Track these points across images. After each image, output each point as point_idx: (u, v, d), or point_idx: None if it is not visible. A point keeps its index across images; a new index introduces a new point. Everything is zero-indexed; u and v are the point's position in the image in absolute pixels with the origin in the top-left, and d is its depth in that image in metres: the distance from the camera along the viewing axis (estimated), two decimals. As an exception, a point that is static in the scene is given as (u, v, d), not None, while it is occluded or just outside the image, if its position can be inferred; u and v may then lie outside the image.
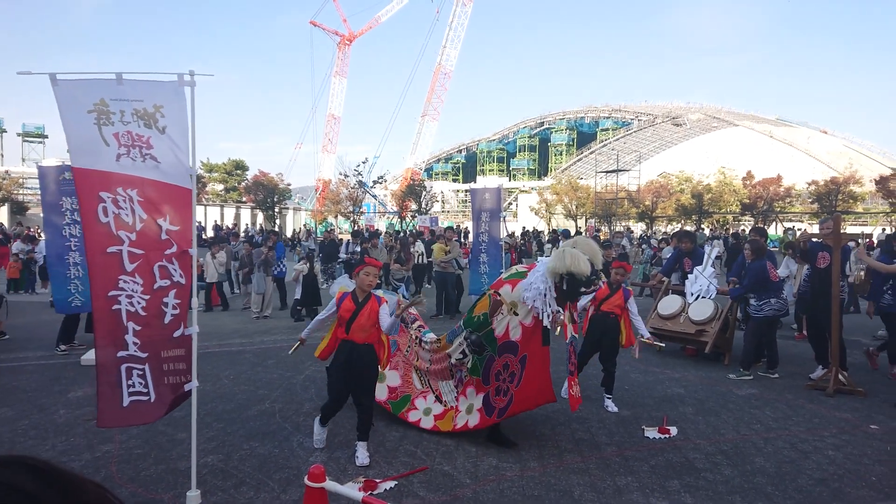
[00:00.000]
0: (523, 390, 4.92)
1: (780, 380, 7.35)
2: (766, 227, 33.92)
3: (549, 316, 4.89)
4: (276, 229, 43.26)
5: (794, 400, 6.56)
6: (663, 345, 7.06)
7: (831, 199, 39.01)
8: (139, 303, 3.85)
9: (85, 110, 3.61)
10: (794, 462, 4.87)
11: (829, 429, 5.65)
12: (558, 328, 5.13)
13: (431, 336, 6.01)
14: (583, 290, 4.99)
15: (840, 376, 6.78)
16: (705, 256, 9.17)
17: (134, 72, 3.74)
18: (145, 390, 3.96)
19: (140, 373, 3.94)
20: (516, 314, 5.06)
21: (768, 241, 10.67)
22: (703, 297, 8.66)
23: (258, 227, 45.70)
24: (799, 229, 29.23)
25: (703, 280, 8.79)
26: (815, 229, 10.06)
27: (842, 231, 7.16)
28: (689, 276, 9.11)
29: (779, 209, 42.79)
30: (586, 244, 5.20)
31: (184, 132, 3.82)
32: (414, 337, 6.11)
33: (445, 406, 5.61)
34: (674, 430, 5.53)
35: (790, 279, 9.93)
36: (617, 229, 30.60)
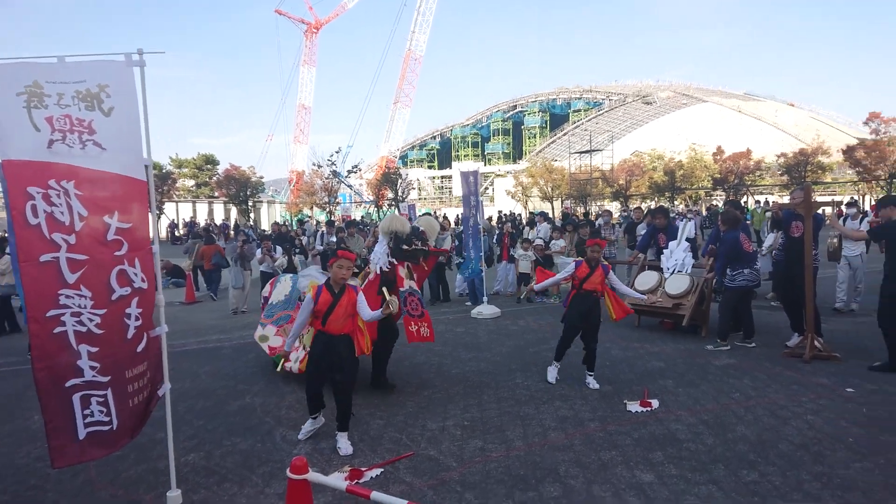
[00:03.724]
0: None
1: (756, 349, 7.46)
2: (738, 199, 34.38)
3: (385, 266, 6.15)
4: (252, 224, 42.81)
5: (771, 368, 6.66)
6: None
7: (800, 171, 39.68)
8: (91, 320, 3.30)
9: (14, 93, 3.12)
10: (774, 429, 4.95)
11: (807, 394, 5.75)
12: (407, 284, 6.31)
13: None
14: (404, 247, 6.17)
15: (816, 343, 6.90)
16: (679, 231, 9.24)
17: (78, 54, 3.26)
18: (107, 419, 3.43)
19: (100, 400, 3.40)
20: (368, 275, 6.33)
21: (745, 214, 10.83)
22: (678, 272, 8.75)
23: (233, 221, 45.10)
24: (758, 202, 29.55)
25: (679, 254, 8.87)
26: (787, 200, 10.17)
27: (813, 200, 7.25)
28: (665, 251, 9.19)
29: (749, 182, 43.44)
30: (427, 221, 6.77)
31: (135, 118, 3.40)
32: None
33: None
34: (655, 403, 5.58)
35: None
36: (605, 208, 30.82)
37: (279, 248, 12.90)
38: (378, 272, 6.22)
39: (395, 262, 6.22)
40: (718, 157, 44.69)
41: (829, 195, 41.17)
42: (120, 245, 3.37)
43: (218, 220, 45.33)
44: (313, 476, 3.03)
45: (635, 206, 35.55)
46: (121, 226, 3.37)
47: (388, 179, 45.57)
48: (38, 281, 3.16)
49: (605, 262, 6.45)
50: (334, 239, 15.38)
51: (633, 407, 5.52)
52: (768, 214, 13.62)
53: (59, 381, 3.26)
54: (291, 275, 8.02)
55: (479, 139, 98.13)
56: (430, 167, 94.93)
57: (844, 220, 10.34)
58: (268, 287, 7.73)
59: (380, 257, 6.24)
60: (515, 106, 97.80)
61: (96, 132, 3.28)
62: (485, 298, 10.95)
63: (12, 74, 3.14)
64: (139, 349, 3.54)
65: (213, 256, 14.56)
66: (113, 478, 4.44)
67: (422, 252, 6.39)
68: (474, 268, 11.06)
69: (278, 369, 6.45)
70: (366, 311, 4.89)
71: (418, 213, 26.81)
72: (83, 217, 3.24)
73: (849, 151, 38.14)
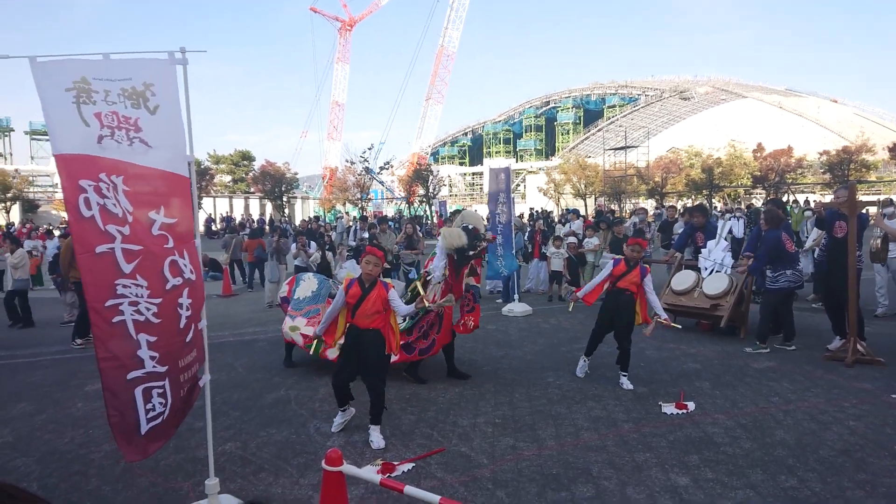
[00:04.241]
0: (442, 335, 6.47)
1: (797, 352, 7.28)
2: (779, 198, 33.52)
3: (441, 277, 6.31)
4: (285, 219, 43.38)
5: (812, 371, 6.49)
6: (679, 326, 6.92)
7: (843, 169, 38.48)
8: (148, 309, 3.31)
9: (63, 88, 3.15)
10: (814, 433, 4.82)
11: (849, 399, 5.59)
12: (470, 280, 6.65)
13: None
14: (470, 253, 6.31)
15: (858, 346, 6.70)
16: (718, 230, 9.06)
17: (122, 52, 3.32)
18: (163, 410, 3.47)
19: (160, 391, 3.43)
20: (438, 283, 6.38)
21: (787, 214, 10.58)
22: (717, 271, 8.58)
23: (269, 217, 45.79)
24: (796, 201, 28.73)
25: (717, 254, 8.70)
26: (829, 199, 9.86)
27: (857, 199, 7.02)
28: (703, 250, 9.01)
29: (790, 181, 42.30)
30: (471, 215, 6.86)
31: (178, 115, 3.45)
32: None
33: None
34: (691, 405, 5.49)
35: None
36: (640, 206, 30.43)
37: (314, 244, 13.06)
38: (444, 280, 6.35)
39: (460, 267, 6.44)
40: (758, 155, 43.61)
41: (873, 194, 39.86)
42: (166, 240, 3.42)
43: (255, 216, 46.05)
44: (348, 468, 3.06)
45: (669, 204, 35.04)
46: (166, 221, 3.41)
47: (420, 176, 45.69)
48: (95, 271, 3.20)
49: (646, 265, 6.35)
50: (366, 235, 15.49)
51: (669, 409, 5.43)
52: (807, 214, 13.24)
53: (122, 373, 3.29)
54: (313, 274, 8.09)
55: (511, 135, 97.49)
56: (461, 164, 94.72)
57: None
58: (286, 287, 7.62)
59: (439, 273, 6.32)
60: (548, 102, 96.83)
61: (142, 130, 3.31)
62: (516, 296, 10.90)
63: (60, 70, 3.19)
64: (188, 339, 3.60)
65: (255, 249, 14.98)
66: (153, 466, 4.55)
67: (485, 248, 6.70)
68: (509, 265, 10.96)
69: (313, 352, 6.60)
70: (400, 307, 4.99)
71: (449, 210, 26.86)
72: (130, 212, 3.29)
73: (895, 149, 36.86)
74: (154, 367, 3.37)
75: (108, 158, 3.22)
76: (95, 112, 3.21)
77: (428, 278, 6.51)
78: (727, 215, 17.99)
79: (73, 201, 3.15)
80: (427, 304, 5.20)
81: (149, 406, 3.39)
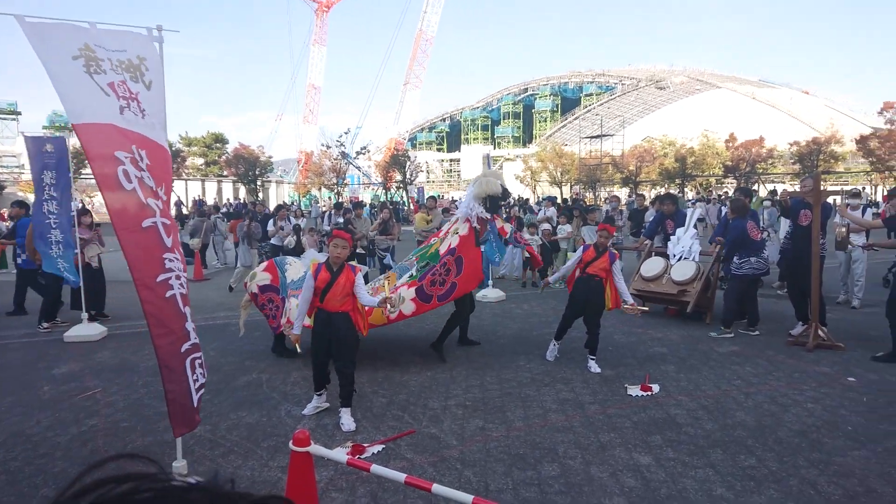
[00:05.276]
0: (465, 278, 6.47)
1: (760, 337, 7.48)
2: (748, 187, 34.10)
3: (478, 217, 6.53)
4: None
5: (774, 356, 6.68)
6: (647, 308, 7.14)
7: (812, 159, 39.30)
8: (184, 283, 3.35)
9: (70, 56, 2.95)
10: (773, 415, 4.98)
11: (809, 383, 5.77)
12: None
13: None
14: (501, 203, 6.97)
15: (820, 332, 6.91)
16: (687, 218, 9.22)
17: (105, 22, 3.14)
18: (204, 380, 3.51)
19: (200, 361, 3.47)
20: (457, 233, 6.60)
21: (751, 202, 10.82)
22: (685, 258, 8.74)
23: (241, 199, 45.16)
24: (755, 191, 29.34)
25: (686, 241, 8.86)
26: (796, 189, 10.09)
27: (822, 189, 7.20)
28: (672, 237, 9.17)
29: (761, 171, 43.07)
30: (492, 173, 7.07)
31: (163, 93, 3.35)
32: None
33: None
34: (656, 388, 5.62)
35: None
36: (614, 194, 30.81)
37: (292, 219, 12.96)
38: (472, 228, 6.57)
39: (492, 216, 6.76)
40: (731, 145, 44.31)
41: (840, 185, 40.77)
42: (170, 215, 3.40)
43: (233, 200, 45.32)
44: (315, 449, 3.08)
45: (638, 193, 35.53)
46: (163, 197, 3.36)
47: (397, 161, 45.45)
48: (143, 247, 3.10)
49: (614, 251, 6.44)
50: (341, 220, 15.43)
51: (634, 391, 5.56)
52: (766, 203, 13.56)
53: (177, 347, 3.25)
54: (294, 258, 7.90)
55: (490, 122, 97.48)
56: (438, 150, 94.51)
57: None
58: (267, 275, 6.96)
59: (473, 214, 6.54)
60: (527, 89, 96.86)
61: (143, 104, 3.20)
62: (490, 282, 10.97)
63: (60, 35, 2.98)
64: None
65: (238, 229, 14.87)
66: (121, 449, 4.53)
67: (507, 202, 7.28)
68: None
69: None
70: (364, 297, 4.99)
71: (426, 195, 26.94)
72: (157, 186, 3.21)
73: (862, 141, 37.76)
74: (195, 338, 3.40)
75: (134, 131, 3.11)
76: (109, 82, 3.08)
77: (454, 218, 6.86)
78: (698, 204, 18.26)
79: (109, 172, 2.97)
80: (389, 301, 5.30)
81: (194, 377, 3.41)
